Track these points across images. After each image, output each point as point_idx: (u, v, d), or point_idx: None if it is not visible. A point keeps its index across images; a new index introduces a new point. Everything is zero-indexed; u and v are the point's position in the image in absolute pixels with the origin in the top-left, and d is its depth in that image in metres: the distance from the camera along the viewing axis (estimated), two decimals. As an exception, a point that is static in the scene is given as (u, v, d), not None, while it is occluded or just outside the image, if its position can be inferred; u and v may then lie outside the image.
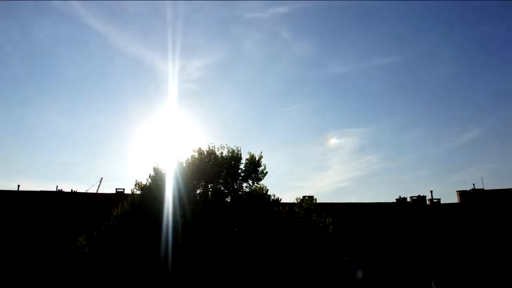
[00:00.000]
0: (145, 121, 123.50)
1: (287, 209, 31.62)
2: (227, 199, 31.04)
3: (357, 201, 47.24)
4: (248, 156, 31.46)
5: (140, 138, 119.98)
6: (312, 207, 32.43)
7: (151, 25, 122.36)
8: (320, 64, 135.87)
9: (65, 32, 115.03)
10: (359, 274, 38.50)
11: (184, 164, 30.18)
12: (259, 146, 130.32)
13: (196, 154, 30.59)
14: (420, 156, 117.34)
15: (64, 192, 42.81)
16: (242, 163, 31.16)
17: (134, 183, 30.69)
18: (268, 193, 30.86)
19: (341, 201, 45.83)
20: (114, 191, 43.22)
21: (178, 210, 27.95)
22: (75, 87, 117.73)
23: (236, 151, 31.06)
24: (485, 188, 46.11)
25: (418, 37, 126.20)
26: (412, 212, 45.47)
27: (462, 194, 46.37)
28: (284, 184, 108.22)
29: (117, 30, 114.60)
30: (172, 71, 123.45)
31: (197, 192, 30.79)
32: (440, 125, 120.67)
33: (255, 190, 30.82)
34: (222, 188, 30.92)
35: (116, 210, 30.07)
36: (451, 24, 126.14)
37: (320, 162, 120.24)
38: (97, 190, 49.03)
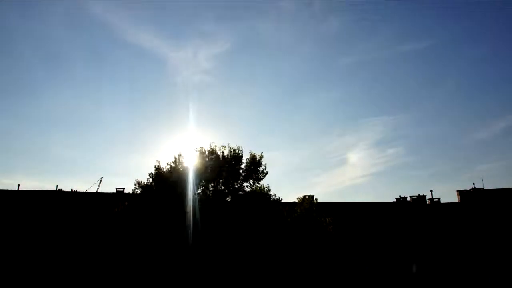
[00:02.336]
0: (151, 117, 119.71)
1: (287, 208, 31.74)
2: (227, 198, 31.08)
3: (358, 201, 47.40)
4: (249, 156, 31.55)
5: (144, 136, 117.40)
6: (313, 207, 32.62)
7: (159, 9, 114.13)
8: (345, 50, 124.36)
9: (71, 19, 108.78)
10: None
11: (185, 164, 30.29)
12: (273, 141, 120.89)
13: (198, 154, 30.64)
14: (441, 150, 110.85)
15: (64, 191, 42.73)
16: (243, 162, 31.21)
17: (135, 182, 30.80)
18: (269, 193, 30.99)
19: (344, 201, 45.97)
20: (114, 191, 43.16)
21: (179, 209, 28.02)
22: (77, 80, 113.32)
23: (237, 151, 31.12)
24: (485, 188, 46.19)
25: (448, 22, 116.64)
26: (412, 211, 45.50)
27: (462, 193, 46.42)
28: (299, 181, 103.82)
29: (122, 16, 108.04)
30: (182, 62, 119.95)
31: (198, 191, 30.83)
32: (465, 117, 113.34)
33: (255, 189, 30.87)
34: (222, 188, 30.97)
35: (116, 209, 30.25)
36: (482, 8, 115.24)
37: (338, 157, 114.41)
38: (97, 190, 48.95)
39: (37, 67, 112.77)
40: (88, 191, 45.86)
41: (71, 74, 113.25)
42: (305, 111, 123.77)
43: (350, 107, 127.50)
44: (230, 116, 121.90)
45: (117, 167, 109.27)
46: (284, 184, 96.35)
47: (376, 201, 46.98)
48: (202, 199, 30.17)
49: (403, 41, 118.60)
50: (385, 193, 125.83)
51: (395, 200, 47.32)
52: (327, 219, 31.97)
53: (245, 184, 31.06)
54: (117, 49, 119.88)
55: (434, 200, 46.29)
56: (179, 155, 30.89)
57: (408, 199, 47.21)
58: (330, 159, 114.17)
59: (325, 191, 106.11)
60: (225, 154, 31.03)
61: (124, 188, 41.97)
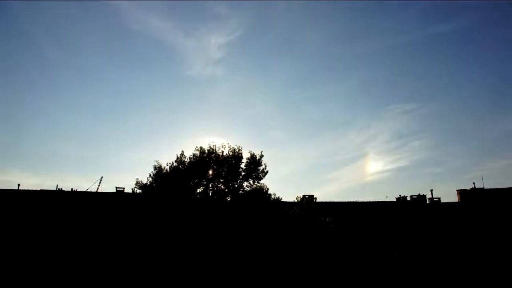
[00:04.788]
0: (154, 113, 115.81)
1: (287, 208, 31.79)
2: (227, 198, 31.14)
3: (359, 200, 47.39)
4: (249, 155, 31.62)
5: (146, 133, 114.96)
6: (312, 206, 32.67)
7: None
8: (367, 34, 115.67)
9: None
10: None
11: (186, 163, 30.35)
12: (285, 136, 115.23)
13: (198, 153, 30.71)
14: (465, 144, 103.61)
15: (64, 191, 42.74)
16: (243, 162, 31.29)
17: (135, 182, 30.89)
18: (268, 192, 31.09)
19: (344, 200, 46.04)
20: (114, 190, 43.16)
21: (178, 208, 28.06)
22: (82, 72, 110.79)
23: (237, 150, 31.21)
24: (485, 188, 46.15)
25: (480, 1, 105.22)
26: (412, 211, 45.49)
27: (462, 193, 46.38)
28: (312, 178, 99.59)
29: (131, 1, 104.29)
30: (193, 51, 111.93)
31: (198, 190, 30.90)
32: (492, 108, 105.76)
33: (255, 189, 30.93)
34: (222, 187, 31.04)
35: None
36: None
37: (355, 151, 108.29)
38: (97, 189, 48.95)
39: (40, 60, 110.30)
40: (88, 190, 45.88)
41: (76, 68, 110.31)
42: (322, 101, 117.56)
43: (372, 96, 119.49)
44: (239, 111, 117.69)
45: (118, 164, 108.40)
46: (296, 181, 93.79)
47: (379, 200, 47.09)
48: (202, 198, 30.23)
49: (432, 23, 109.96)
50: (404, 190, 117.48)
51: (395, 200, 47.34)
52: (327, 219, 32.02)
53: (245, 183, 31.18)
54: (122, 37, 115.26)
55: (434, 199, 46.28)
56: (181, 154, 30.98)
57: (408, 198, 47.23)
58: (347, 154, 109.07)
59: (341, 188, 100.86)
60: (225, 153, 31.13)
61: (124, 188, 42.02)
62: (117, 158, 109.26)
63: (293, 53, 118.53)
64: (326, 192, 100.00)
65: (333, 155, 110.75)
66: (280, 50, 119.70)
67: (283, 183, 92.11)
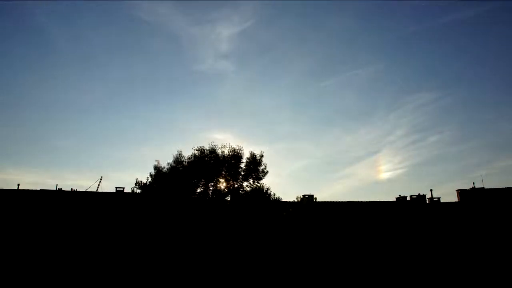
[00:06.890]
0: (156, 111, 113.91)
1: (288, 207, 31.86)
2: (227, 198, 31.16)
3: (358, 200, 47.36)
4: (249, 155, 31.68)
5: (149, 131, 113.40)
6: (312, 206, 32.76)
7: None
8: (387, 20, 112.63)
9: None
10: None
11: (185, 163, 30.35)
12: (297, 130, 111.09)
13: (197, 153, 30.74)
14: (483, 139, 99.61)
15: (64, 191, 42.71)
16: (242, 162, 31.33)
17: (135, 182, 30.91)
18: (269, 191, 31.13)
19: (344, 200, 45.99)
20: (114, 190, 43.12)
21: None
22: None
23: (237, 150, 31.27)
24: (485, 187, 46.13)
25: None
26: (412, 211, 45.45)
27: (461, 193, 46.35)
28: (322, 175, 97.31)
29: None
30: (201, 42, 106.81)
31: (198, 190, 30.91)
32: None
33: (255, 189, 30.97)
34: (222, 187, 31.07)
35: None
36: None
37: (370, 147, 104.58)
38: (97, 189, 48.89)
39: (42, 53, 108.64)
40: (88, 190, 45.83)
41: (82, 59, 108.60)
42: (337, 93, 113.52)
43: (391, 85, 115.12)
44: (248, 106, 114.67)
45: (119, 163, 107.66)
46: (304, 178, 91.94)
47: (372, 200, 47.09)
48: (202, 198, 30.23)
49: (459, 6, 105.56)
50: (416, 189, 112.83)
51: (394, 200, 47.35)
52: (326, 219, 32.14)
53: (245, 183, 31.21)
54: (124, 25, 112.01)
55: (434, 199, 46.27)
56: (179, 154, 30.99)
57: (408, 198, 47.24)
58: (360, 150, 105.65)
59: (353, 186, 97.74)
60: (225, 153, 31.16)
61: (124, 188, 41.99)
62: (117, 156, 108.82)
63: (308, 41, 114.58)
64: (337, 190, 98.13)
65: (346, 151, 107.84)
66: (294, 39, 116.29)
67: (291, 180, 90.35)
